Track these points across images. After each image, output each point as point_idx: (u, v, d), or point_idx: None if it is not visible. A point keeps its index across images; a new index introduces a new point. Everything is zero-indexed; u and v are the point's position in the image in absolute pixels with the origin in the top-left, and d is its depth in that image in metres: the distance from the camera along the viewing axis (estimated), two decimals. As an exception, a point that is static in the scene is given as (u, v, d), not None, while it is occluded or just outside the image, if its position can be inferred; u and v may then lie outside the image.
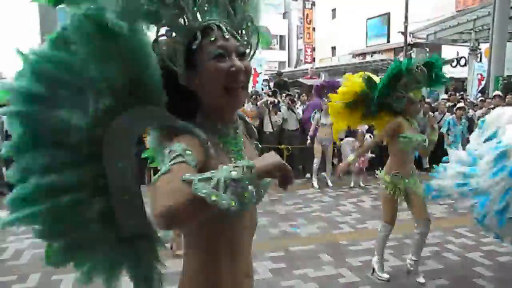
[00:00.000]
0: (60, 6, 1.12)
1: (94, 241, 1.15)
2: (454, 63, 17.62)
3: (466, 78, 16.14)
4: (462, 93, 13.13)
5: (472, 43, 16.18)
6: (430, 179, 3.37)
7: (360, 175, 7.63)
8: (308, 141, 7.59)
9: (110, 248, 1.17)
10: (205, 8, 1.11)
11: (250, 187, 0.86)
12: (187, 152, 0.96)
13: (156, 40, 1.09)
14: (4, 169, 7.51)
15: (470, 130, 8.88)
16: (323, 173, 7.86)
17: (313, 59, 29.46)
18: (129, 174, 1.11)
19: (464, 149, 3.34)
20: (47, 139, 1.07)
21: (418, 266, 3.69)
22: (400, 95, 3.41)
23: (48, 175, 1.06)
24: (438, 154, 5.38)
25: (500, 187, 2.75)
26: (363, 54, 24.68)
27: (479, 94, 12.54)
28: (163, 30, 1.10)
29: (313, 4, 29.88)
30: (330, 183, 7.65)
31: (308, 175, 8.05)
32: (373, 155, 7.57)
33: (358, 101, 3.59)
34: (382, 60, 19.76)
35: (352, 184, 7.56)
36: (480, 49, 16.08)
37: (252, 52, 1.22)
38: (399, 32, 18.72)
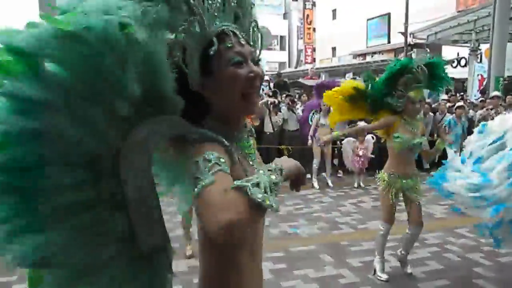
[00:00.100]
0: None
1: (107, 264, 1.03)
2: (455, 64, 17.62)
3: (467, 78, 16.14)
4: (462, 93, 13.14)
5: (473, 44, 16.18)
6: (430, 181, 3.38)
7: (360, 175, 7.63)
8: (309, 141, 7.58)
9: (124, 267, 1.07)
10: (215, 14, 1.11)
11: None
12: (221, 160, 0.97)
13: (171, 47, 1.08)
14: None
15: (470, 131, 8.91)
16: (323, 174, 7.86)
17: (314, 60, 29.48)
18: (147, 186, 1.07)
19: (461, 149, 3.34)
20: (57, 159, 0.93)
21: (407, 258, 3.83)
22: (401, 94, 3.42)
23: (64, 194, 0.94)
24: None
25: None
26: (364, 55, 24.70)
27: (479, 95, 12.54)
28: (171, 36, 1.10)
29: (314, 4, 29.93)
30: (330, 184, 7.66)
31: (308, 175, 8.06)
32: (373, 156, 7.58)
33: (356, 97, 3.60)
34: (382, 60, 19.76)
35: (356, 185, 7.56)
36: (480, 49, 16.08)
37: (258, 56, 1.22)
38: (399, 32, 18.74)
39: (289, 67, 32.72)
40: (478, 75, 13.99)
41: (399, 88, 3.41)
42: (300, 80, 17.31)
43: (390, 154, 3.62)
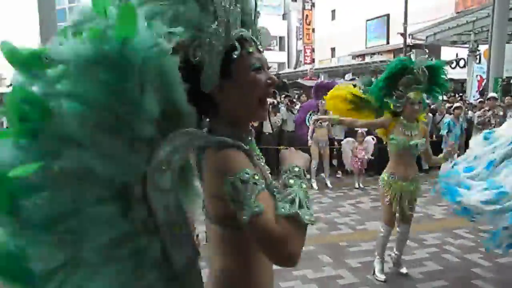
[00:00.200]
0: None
1: None
2: (454, 65, 17.64)
3: (466, 79, 16.17)
4: (461, 94, 13.16)
5: (471, 45, 16.21)
6: (433, 181, 3.38)
7: (359, 176, 7.64)
8: (309, 141, 7.57)
9: None
10: (236, 19, 1.12)
11: None
12: (256, 177, 0.98)
13: (193, 47, 1.08)
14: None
15: (469, 132, 8.92)
16: (322, 174, 7.87)
17: (313, 60, 29.48)
18: (175, 205, 1.05)
19: (459, 150, 3.33)
20: (91, 198, 0.91)
21: (400, 258, 3.85)
22: (400, 94, 3.42)
23: (101, 233, 0.92)
24: (437, 155, 5.37)
25: None
26: (363, 55, 24.71)
27: (478, 96, 12.56)
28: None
29: (313, 5, 29.92)
30: (329, 185, 7.66)
31: (307, 176, 8.05)
32: (372, 158, 7.58)
33: (356, 102, 3.66)
34: (381, 61, 19.77)
35: (356, 185, 7.57)
36: (479, 50, 16.10)
37: None
38: (398, 33, 18.75)
39: (288, 67, 32.71)
40: (477, 76, 14.02)
41: (399, 88, 3.42)
42: (299, 80, 17.32)
43: (390, 155, 3.64)
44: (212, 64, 1.07)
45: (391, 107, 3.49)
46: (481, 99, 10.28)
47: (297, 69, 27.99)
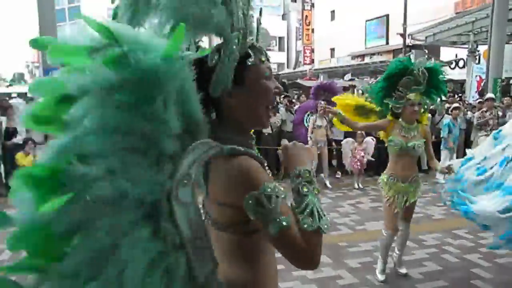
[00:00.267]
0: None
1: None
2: (453, 65, 17.66)
3: (465, 80, 16.17)
4: (460, 95, 13.17)
5: (471, 45, 16.21)
6: (431, 182, 3.38)
7: (359, 176, 7.64)
8: (310, 142, 7.57)
9: None
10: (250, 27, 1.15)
11: None
12: (277, 190, 1.01)
13: (212, 50, 1.10)
14: (2, 167, 7.48)
15: (469, 132, 8.92)
16: (321, 175, 7.87)
17: (312, 61, 29.50)
18: (196, 218, 1.04)
19: (458, 150, 3.31)
20: (126, 227, 0.90)
21: (401, 259, 3.86)
22: (400, 95, 3.43)
23: (137, 258, 0.90)
24: (436, 156, 5.38)
25: None
26: (362, 56, 24.74)
27: (478, 96, 12.57)
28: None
29: (312, 5, 29.94)
30: (328, 185, 7.66)
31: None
32: (373, 159, 7.58)
33: (362, 108, 3.73)
34: (381, 61, 19.81)
35: (356, 186, 7.57)
36: (478, 51, 16.11)
37: None
38: (398, 34, 18.77)
39: (287, 68, 32.75)
40: (476, 76, 14.02)
41: (399, 89, 3.42)
42: (299, 81, 17.34)
43: (389, 156, 3.65)
44: (228, 68, 1.08)
45: (391, 108, 3.50)
46: (480, 100, 10.29)
47: (296, 70, 28.02)
